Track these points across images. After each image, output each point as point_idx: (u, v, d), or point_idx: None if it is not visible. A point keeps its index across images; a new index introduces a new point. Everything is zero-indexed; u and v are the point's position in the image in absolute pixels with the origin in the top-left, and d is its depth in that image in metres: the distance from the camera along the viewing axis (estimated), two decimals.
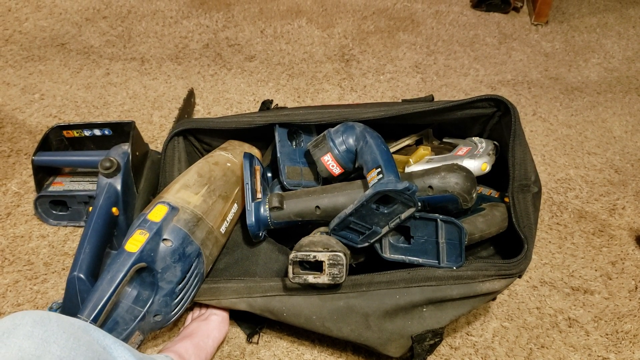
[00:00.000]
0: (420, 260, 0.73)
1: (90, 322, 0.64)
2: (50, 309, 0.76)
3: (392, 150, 0.91)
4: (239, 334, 0.84)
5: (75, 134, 0.99)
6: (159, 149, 1.01)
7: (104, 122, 0.98)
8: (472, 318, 0.87)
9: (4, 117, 1.20)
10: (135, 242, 0.69)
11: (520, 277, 0.73)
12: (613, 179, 1.13)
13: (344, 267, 0.70)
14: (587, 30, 1.60)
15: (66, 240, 0.96)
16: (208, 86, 1.33)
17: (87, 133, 0.99)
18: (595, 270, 0.95)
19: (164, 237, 0.71)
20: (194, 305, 0.84)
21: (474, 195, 0.75)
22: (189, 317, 0.83)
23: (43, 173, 0.97)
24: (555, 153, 1.19)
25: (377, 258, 0.75)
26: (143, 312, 0.71)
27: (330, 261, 0.69)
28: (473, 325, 0.86)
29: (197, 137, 0.94)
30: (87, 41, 1.45)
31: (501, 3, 1.63)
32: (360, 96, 1.33)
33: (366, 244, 0.73)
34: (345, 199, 0.75)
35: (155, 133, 1.19)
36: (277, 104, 1.14)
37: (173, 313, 0.74)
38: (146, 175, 0.93)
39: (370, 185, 0.70)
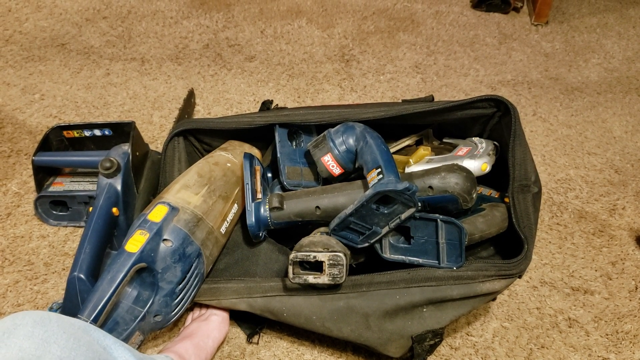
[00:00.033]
0: (421, 260, 0.73)
1: (90, 323, 0.64)
2: (51, 309, 0.76)
3: (392, 150, 0.91)
4: (239, 334, 0.84)
5: (75, 134, 0.99)
6: (159, 149, 1.01)
7: (104, 122, 0.98)
8: (472, 318, 0.87)
9: (4, 117, 1.20)
10: (136, 242, 0.69)
11: (520, 277, 0.73)
12: (613, 179, 1.13)
13: (344, 268, 0.70)
14: (587, 30, 1.61)
15: (66, 240, 0.96)
16: (208, 86, 1.33)
17: (87, 133, 0.99)
18: (596, 271, 0.95)
19: (164, 237, 0.71)
20: (194, 305, 0.84)
21: (474, 195, 0.75)
22: (189, 317, 0.83)
23: (43, 173, 0.98)
24: (555, 153, 1.19)
25: (377, 258, 0.75)
26: (143, 313, 0.71)
27: (331, 261, 0.69)
28: (473, 326, 0.86)
29: (197, 137, 0.94)
30: (87, 41, 1.45)
31: (501, 3, 1.63)
32: (361, 96, 1.33)
33: (366, 244, 0.73)
34: (346, 199, 0.75)
35: (156, 133, 1.19)
36: (277, 104, 1.14)
37: (173, 313, 0.74)
38: (146, 175, 0.93)
39: (370, 185, 0.70)
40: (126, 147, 0.89)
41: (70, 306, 0.73)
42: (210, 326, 0.78)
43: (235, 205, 0.84)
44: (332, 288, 0.73)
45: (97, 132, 0.98)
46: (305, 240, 0.72)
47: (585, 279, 0.94)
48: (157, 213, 0.72)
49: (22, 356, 0.46)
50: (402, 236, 0.75)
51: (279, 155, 0.85)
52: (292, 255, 0.70)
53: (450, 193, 0.73)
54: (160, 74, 1.36)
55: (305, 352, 0.82)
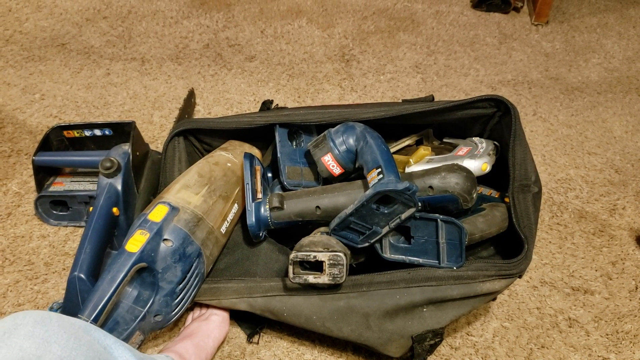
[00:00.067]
0: (421, 260, 0.73)
1: (90, 322, 0.64)
2: (51, 309, 0.76)
3: (392, 150, 0.91)
4: (239, 334, 0.84)
5: (75, 134, 0.99)
6: (160, 149, 1.01)
7: (105, 122, 0.98)
8: (473, 318, 0.87)
9: (5, 117, 1.20)
10: (136, 242, 0.69)
11: (520, 277, 0.73)
12: (613, 179, 1.13)
13: (344, 267, 0.70)
14: (587, 30, 1.61)
15: (67, 240, 0.96)
16: (208, 86, 1.33)
17: (87, 133, 0.99)
18: (596, 271, 0.95)
19: (165, 237, 0.71)
20: (195, 305, 0.84)
21: (474, 195, 0.75)
22: (190, 317, 0.84)
23: (43, 173, 0.98)
24: (555, 153, 1.19)
25: (378, 258, 0.75)
26: (143, 312, 0.71)
27: (331, 261, 0.69)
28: (473, 325, 0.86)
29: (197, 137, 0.94)
30: (87, 41, 1.45)
31: (501, 3, 1.63)
32: (361, 96, 1.33)
33: (366, 244, 0.73)
34: (346, 199, 0.75)
35: (156, 133, 1.19)
36: (277, 104, 1.14)
37: (173, 313, 0.74)
38: (147, 175, 0.93)
39: (370, 185, 0.70)
40: (126, 147, 0.89)
41: (71, 306, 0.73)
42: (210, 326, 0.78)
43: (236, 205, 0.84)
44: (332, 288, 0.73)
45: (98, 132, 0.98)
46: (305, 240, 0.72)
47: (585, 279, 0.94)
48: (157, 213, 0.72)
49: (23, 356, 0.46)
50: (402, 236, 0.75)
51: (279, 155, 0.85)
52: (292, 255, 0.70)
53: (450, 193, 0.73)
54: (161, 74, 1.36)
55: (306, 352, 0.82)
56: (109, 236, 0.83)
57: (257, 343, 0.83)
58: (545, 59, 1.48)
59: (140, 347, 0.73)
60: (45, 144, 0.97)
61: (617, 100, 1.35)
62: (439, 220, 0.71)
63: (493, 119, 0.85)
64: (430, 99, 0.92)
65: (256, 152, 0.94)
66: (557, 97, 1.35)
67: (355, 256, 0.79)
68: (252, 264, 0.82)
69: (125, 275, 0.67)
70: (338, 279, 0.70)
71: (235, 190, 0.84)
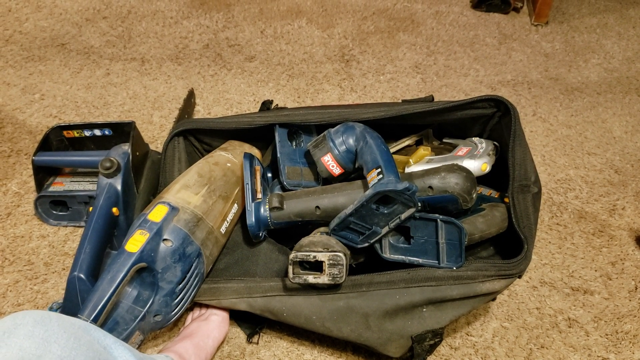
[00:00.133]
0: (420, 260, 0.73)
1: (90, 322, 0.64)
2: (51, 309, 0.76)
3: (392, 150, 0.91)
4: (239, 334, 0.84)
5: (75, 134, 0.99)
6: (159, 149, 1.01)
7: (104, 122, 0.98)
8: (472, 318, 0.87)
9: (5, 117, 1.20)
10: (136, 242, 0.69)
11: (520, 277, 0.73)
12: (613, 179, 1.13)
13: (344, 267, 0.70)
14: (587, 30, 1.61)
15: (66, 240, 0.96)
16: (208, 86, 1.33)
17: (87, 133, 0.99)
18: (595, 271, 0.95)
19: (164, 237, 0.71)
20: (194, 305, 0.84)
21: (474, 195, 0.75)
22: (189, 317, 0.84)
23: (43, 173, 0.98)
24: (555, 153, 1.19)
25: (377, 258, 0.75)
26: (143, 312, 0.71)
27: (330, 261, 0.69)
28: (473, 326, 0.86)
29: (197, 137, 0.94)
30: (87, 41, 1.45)
31: (501, 3, 1.63)
32: (360, 96, 1.33)
33: (366, 244, 0.73)
34: (345, 199, 0.75)
35: (156, 133, 1.19)
36: (277, 104, 1.14)
37: (173, 313, 0.74)
38: (146, 175, 0.93)
39: (370, 185, 0.70)
40: (126, 147, 0.89)
41: (70, 306, 0.73)
42: (210, 326, 0.78)
43: (235, 205, 0.84)
44: (332, 288, 0.73)
45: (97, 132, 0.98)
46: (305, 240, 0.72)
47: (585, 279, 0.94)
48: (157, 213, 0.72)
49: (23, 356, 0.46)
50: (402, 236, 0.75)
51: (279, 155, 0.85)
52: (292, 255, 0.70)
53: (450, 193, 0.73)
54: (160, 74, 1.36)
55: (305, 352, 0.82)
56: (109, 236, 0.83)
57: (257, 343, 0.83)
58: (545, 59, 1.48)
59: (140, 347, 0.73)
60: (45, 144, 0.97)
61: (616, 101, 1.35)
62: (438, 220, 0.71)
63: (493, 119, 0.85)
64: (430, 99, 0.92)
65: (256, 152, 0.95)
66: (557, 98, 1.35)
67: (355, 256, 0.79)
68: (251, 264, 0.82)
69: (125, 275, 0.67)
70: (338, 279, 0.70)
71: (235, 190, 0.84)
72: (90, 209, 0.84)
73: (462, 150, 0.85)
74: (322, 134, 0.82)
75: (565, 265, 0.96)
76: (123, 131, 0.97)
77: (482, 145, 0.85)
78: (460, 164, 0.79)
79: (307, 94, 1.33)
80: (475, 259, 0.77)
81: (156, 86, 1.32)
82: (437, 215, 0.72)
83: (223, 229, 0.80)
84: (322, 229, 0.78)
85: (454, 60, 1.46)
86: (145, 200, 0.89)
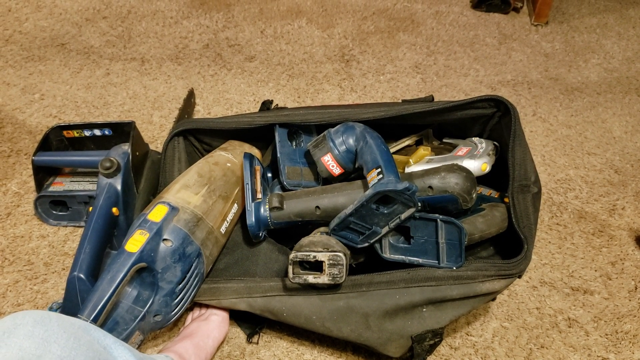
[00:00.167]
0: (420, 260, 0.73)
1: (90, 322, 0.64)
2: (51, 309, 0.76)
3: (392, 150, 0.91)
4: (239, 334, 0.84)
5: (75, 134, 0.99)
6: (159, 149, 1.01)
7: (104, 122, 0.98)
8: (472, 318, 0.87)
9: (4, 117, 1.20)
10: (136, 242, 0.69)
11: (520, 277, 0.73)
12: (613, 179, 1.13)
13: (344, 267, 0.70)
14: (587, 30, 1.61)
15: (66, 240, 0.96)
16: (208, 86, 1.33)
17: (87, 133, 0.99)
18: (595, 271, 0.95)
19: (164, 237, 0.71)
20: (194, 305, 0.84)
21: (474, 195, 0.75)
22: (189, 317, 0.83)
23: (43, 173, 0.97)
24: (555, 153, 1.19)
25: (377, 258, 0.75)
26: (143, 312, 0.71)
27: (330, 261, 0.69)
28: (473, 326, 0.86)
29: (197, 137, 0.94)
30: (87, 41, 1.45)
31: (501, 3, 1.63)
32: (360, 96, 1.33)
33: (366, 244, 0.73)
34: (345, 199, 0.75)
35: (156, 133, 1.19)
36: (277, 104, 1.14)
37: (173, 313, 0.74)
38: (146, 175, 0.93)
39: (370, 185, 0.70)
40: (126, 147, 0.89)
41: (70, 306, 0.73)
42: (210, 326, 0.78)
43: (235, 205, 0.84)
44: (332, 288, 0.73)
45: (97, 132, 0.98)
46: (305, 240, 0.72)
47: (585, 279, 0.94)
48: (157, 213, 0.72)
49: (23, 355, 0.46)
50: (402, 236, 0.75)
51: (279, 155, 0.85)
52: (292, 255, 0.70)
53: (450, 193, 0.73)
54: (160, 74, 1.36)
55: (305, 352, 0.82)
56: (109, 236, 0.83)
57: (257, 343, 0.83)
58: (545, 59, 1.48)
59: (139, 347, 0.73)
60: (45, 144, 0.97)
61: (616, 101, 1.35)
62: (438, 220, 0.71)
63: (493, 119, 0.85)
64: (430, 99, 0.92)
65: (256, 152, 0.95)
66: (557, 98, 1.35)
67: (355, 256, 0.79)
68: (251, 264, 0.82)
69: (125, 275, 0.67)
70: (338, 279, 0.70)
71: (235, 190, 0.84)
72: (90, 209, 0.84)
73: (462, 150, 0.85)
74: (322, 134, 0.82)
75: (565, 265, 0.96)
76: (123, 131, 0.97)
77: (482, 145, 0.85)
78: (460, 164, 0.79)
79: (307, 94, 1.33)
80: (475, 259, 0.77)
81: (156, 86, 1.32)
82: (437, 215, 0.72)
83: (223, 229, 0.80)
84: (322, 229, 0.78)
85: (454, 60, 1.46)
86: (145, 200, 0.89)
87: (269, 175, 0.91)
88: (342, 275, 0.70)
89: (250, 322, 0.84)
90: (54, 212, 0.97)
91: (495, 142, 0.86)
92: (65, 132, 0.99)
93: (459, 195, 0.73)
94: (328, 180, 0.85)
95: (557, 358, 0.82)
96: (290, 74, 1.38)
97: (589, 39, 1.57)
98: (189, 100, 1.21)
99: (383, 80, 1.38)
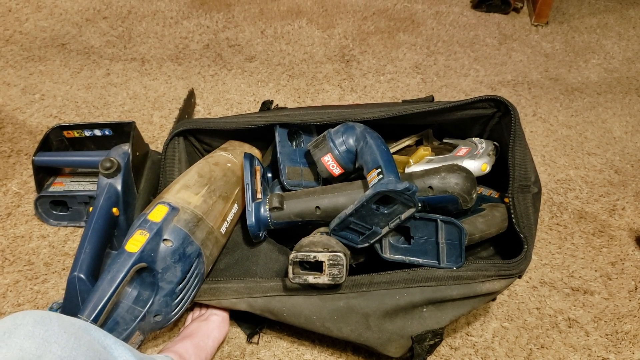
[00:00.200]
0: (420, 260, 0.73)
1: (90, 322, 0.64)
2: (51, 309, 0.76)
3: (392, 150, 0.91)
4: (239, 334, 0.84)
5: (75, 134, 0.99)
6: (160, 149, 1.01)
7: (105, 122, 0.98)
8: (472, 318, 0.87)
9: (5, 117, 1.20)
10: (136, 242, 0.69)
11: (520, 277, 0.73)
12: (613, 179, 1.13)
13: (344, 268, 0.70)
14: (587, 31, 1.61)
15: (66, 240, 0.96)
16: (208, 86, 1.33)
17: (87, 133, 0.99)
18: (595, 271, 0.95)
19: (165, 237, 0.71)
20: (194, 305, 0.84)
21: (474, 195, 0.75)
22: (189, 317, 0.84)
23: (43, 173, 0.98)
24: (555, 154, 1.19)
25: (377, 258, 0.75)
26: (143, 312, 0.71)
27: (331, 261, 0.69)
28: (473, 326, 0.86)
29: (197, 137, 0.94)
30: (87, 41, 1.45)
31: (501, 4, 1.63)
32: (361, 97, 1.33)
33: (366, 244, 0.73)
34: (346, 199, 0.75)
35: (156, 133, 1.19)
36: (277, 105, 1.14)
37: (173, 313, 0.74)
38: (146, 175, 0.93)
39: (370, 185, 0.70)
40: (126, 147, 0.89)
41: (71, 306, 0.73)
42: (210, 326, 0.78)
43: (235, 205, 0.84)
44: (332, 288, 0.73)
45: (97, 132, 0.98)
46: (305, 240, 0.72)
47: (585, 279, 0.94)
48: (157, 213, 0.72)
49: (23, 356, 0.46)
50: (402, 236, 0.75)
51: (279, 155, 0.85)
52: (292, 255, 0.70)
53: (450, 193, 0.73)
54: (161, 74, 1.36)
55: (305, 352, 0.82)
56: (109, 236, 0.83)
57: (257, 343, 0.83)
58: (545, 59, 1.48)
59: (140, 347, 0.73)
60: (45, 144, 0.97)
61: (616, 101, 1.35)
62: (438, 220, 0.71)
63: (493, 119, 0.85)
64: (430, 99, 0.92)
65: (256, 152, 0.95)
66: (557, 98, 1.35)
67: (355, 256, 0.79)
68: (252, 264, 0.82)
69: (125, 276, 0.67)
70: (338, 279, 0.70)
71: (235, 190, 0.84)
72: (91, 209, 0.84)
73: (462, 150, 0.85)
74: (322, 134, 0.82)
75: (565, 265, 0.96)
76: (123, 131, 0.97)
77: (482, 145, 0.85)
78: (460, 164, 0.79)
79: (307, 94, 1.33)
80: (475, 259, 0.77)
81: (156, 86, 1.32)
82: (437, 215, 0.72)
83: (223, 229, 0.80)
84: (322, 229, 0.78)
85: (454, 60, 1.46)
86: (146, 200, 0.89)
87: (269, 175, 0.91)
88: (342, 276, 0.70)
89: (250, 322, 0.84)
90: (54, 212, 0.97)
91: (495, 142, 0.86)
92: (65, 132, 0.99)
93: (459, 195, 0.73)
94: (328, 180, 0.85)
95: (557, 358, 0.82)
96: (290, 74, 1.38)
97: (589, 39, 1.57)
98: (189, 101, 1.21)
99: (383, 81, 1.38)
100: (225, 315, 0.81)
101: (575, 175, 1.14)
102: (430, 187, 0.74)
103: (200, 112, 1.26)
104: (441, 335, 0.73)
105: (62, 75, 1.33)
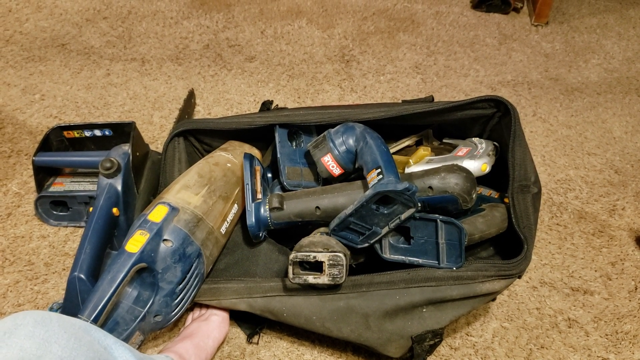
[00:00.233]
0: (420, 260, 0.73)
1: (90, 322, 0.64)
2: (51, 309, 0.76)
3: (392, 150, 0.91)
4: (239, 334, 0.84)
5: (75, 134, 0.99)
6: (160, 149, 1.01)
7: (105, 122, 0.98)
8: (472, 318, 0.87)
9: (5, 117, 1.20)
10: (136, 242, 0.69)
11: (520, 277, 0.73)
12: (613, 179, 1.13)
13: (344, 268, 0.70)
14: (587, 31, 1.61)
15: (67, 240, 0.96)
16: (208, 87, 1.33)
17: (87, 133, 0.99)
18: (595, 271, 0.95)
19: (165, 237, 0.71)
20: (194, 305, 0.84)
21: (474, 195, 0.75)
22: (189, 317, 0.84)
23: (43, 173, 0.98)
24: (555, 154, 1.19)
25: (377, 258, 0.75)
26: (143, 313, 0.71)
27: (330, 261, 0.69)
28: (473, 326, 0.86)
29: (197, 137, 0.94)
30: (87, 42, 1.45)
31: (501, 4, 1.63)
32: (361, 97, 1.33)
33: (366, 245, 0.73)
34: (345, 199, 0.75)
35: (156, 133, 1.19)
36: (277, 105, 1.14)
37: (173, 313, 0.74)
38: (146, 175, 0.93)
39: (370, 185, 0.70)
40: (126, 148, 0.90)
41: (71, 306, 0.73)
42: (210, 326, 0.79)
43: (236, 205, 0.84)
44: (332, 288, 0.73)
45: (98, 133, 0.98)
46: (305, 240, 0.72)
47: (585, 279, 0.94)
48: (157, 213, 0.72)
49: (23, 356, 0.46)
50: (402, 236, 0.75)
51: (279, 155, 0.85)
52: (292, 256, 0.70)
53: (450, 193, 0.73)
54: (161, 75, 1.36)
55: (305, 352, 0.82)
56: (109, 236, 0.83)
57: (257, 343, 0.83)
58: (545, 59, 1.48)
59: (140, 347, 0.73)
60: (45, 145, 0.97)
61: (616, 101, 1.35)
62: (438, 220, 0.71)
63: (493, 119, 0.85)
64: (430, 99, 0.92)
65: (256, 152, 0.95)
66: (557, 98, 1.35)
67: (355, 256, 0.79)
68: (252, 265, 0.82)
69: (125, 276, 0.67)
70: (338, 279, 0.70)
71: (235, 190, 0.84)
72: (91, 209, 0.84)
73: (462, 150, 0.85)
74: (322, 135, 0.82)
75: (565, 265, 0.96)
76: (123, 131, 0.97)
77: (482, 145, 0.85)
78: (460, 164, 0.79)
79: (307, 95, 1.33)
80: (475, 259, 0.77)
81: (156, 86, 1.32)
82: (437, 215, 0.72)
83: (223, 230, 0.80)
84: (322, 229, 0.78)
85: (454, 60, 1.46)
86: (146, 201, 0.89)
87: (269, 175, 0.91)
88: (342, 276, 0.70)
89: (250, 323, 0.84)
90: (55, 212, 0.97)
91: (495, 143, 0.86)
92: (65, 133, 0.99)
93: (459, 195, 0.73)
94: (328, 180, 0.85)
95: (557, 358, 0.82)
96: (290, 75, 1.39)
97: (589, 39, 1.57)
98: (189, 101, 1.21)
99: (383, 81, 1.38)
100: (225, 316, 0.81)
101: (575, 175, 1.14)
102: (430, 187, 0.74)
103: (200, 112, 1.26)
104: (441, 335, 0.73)
105: (62, 75, 1.34)
